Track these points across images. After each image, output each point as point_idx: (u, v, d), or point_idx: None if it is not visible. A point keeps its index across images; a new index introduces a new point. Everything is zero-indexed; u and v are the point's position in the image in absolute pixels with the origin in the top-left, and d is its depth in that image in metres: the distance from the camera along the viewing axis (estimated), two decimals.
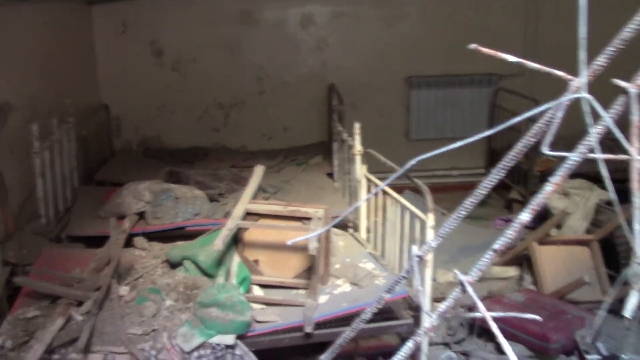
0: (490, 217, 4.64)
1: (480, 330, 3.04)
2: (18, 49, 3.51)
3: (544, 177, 4.16)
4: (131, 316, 2.50)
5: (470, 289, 0.91)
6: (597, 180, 3.83)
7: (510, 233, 0.97)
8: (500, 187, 4.74)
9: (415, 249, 1.16)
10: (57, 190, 3.60)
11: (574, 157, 0.81)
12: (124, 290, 2.67)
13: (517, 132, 2.79)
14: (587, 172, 3.42)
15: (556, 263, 3.64)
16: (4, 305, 2.61)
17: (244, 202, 3.05)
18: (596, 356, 2.85)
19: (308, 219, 2.78)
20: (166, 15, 5.14)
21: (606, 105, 0.89)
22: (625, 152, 0.86)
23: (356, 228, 3.47)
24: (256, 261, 2.84)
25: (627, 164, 0.86)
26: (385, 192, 3.10)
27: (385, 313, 2.63)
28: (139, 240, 3.19)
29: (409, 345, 1.02)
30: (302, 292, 2.77)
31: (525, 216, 0.94)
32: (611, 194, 0.96)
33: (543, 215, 3.89)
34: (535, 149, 1.17)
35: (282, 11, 5.34)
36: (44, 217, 3.40)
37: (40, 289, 2.58)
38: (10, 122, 3.24)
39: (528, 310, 3.10)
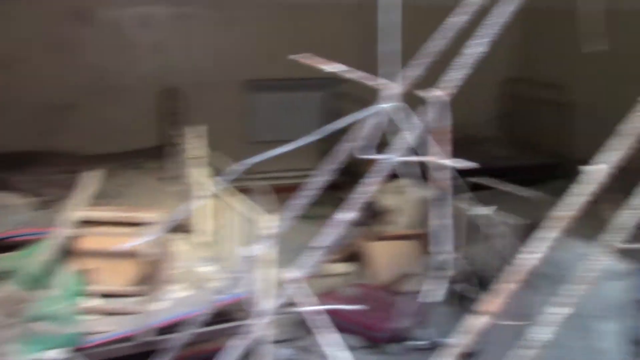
0: (328, 216, 4.82)
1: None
2: None
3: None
4: None
5: (295, 285, 0.96)
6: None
7: (333, 232, 1.03)
8: (336, 187, 4.93)
9: (245, 250, 1.20)
10: None
11: (385, 160, 0.89)
12: None
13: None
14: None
15: (388, 257, 3.88)
16: None
17: (76, 209, 2.91)
18: (422, 342, 3.09)
19: (145, 224, 2.72)
20: None
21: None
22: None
23: (196, 232, 3.44)
24: (93, 270, 2.72)
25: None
26: (220, 195, 3.11)
27: (224, 315, 2.65)
28: None
29: (239, 345, 1.04)
30: (142, 298, 2.70)
31: (346, 215, 1.00)
32: (427, 192, 1.06)
33: (377, 213, 4.13)
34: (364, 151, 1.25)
35: (119, 10, 5.14)
36: None
37: None
38: None
39: (360, 303, 3.28)
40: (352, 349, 3.04)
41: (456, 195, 3.15)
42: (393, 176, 1.10)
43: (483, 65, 1.06)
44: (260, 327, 1.14)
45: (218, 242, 3.20)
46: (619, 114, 0.89)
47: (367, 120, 1.02)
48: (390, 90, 0.95)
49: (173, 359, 1.29)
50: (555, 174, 5.26)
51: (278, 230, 1.15)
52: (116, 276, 2.73)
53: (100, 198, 3.62)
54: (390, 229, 4.14)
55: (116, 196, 3.80)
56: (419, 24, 3.73)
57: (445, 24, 1.03)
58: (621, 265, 2.56)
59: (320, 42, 4.46)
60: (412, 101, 1.05)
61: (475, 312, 0.88)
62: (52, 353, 2.24)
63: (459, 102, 1.14)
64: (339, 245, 3.93)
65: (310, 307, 0.98)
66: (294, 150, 1.13)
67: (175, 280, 2.87)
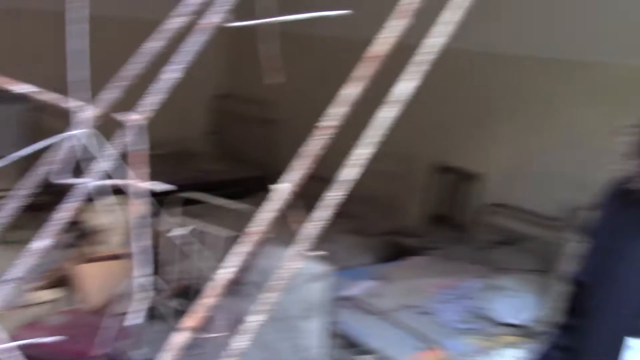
0: (29, 240, 4.43)
1: None
2: None
3: None
4: None
5: None
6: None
7: (32, 258, 0.97)
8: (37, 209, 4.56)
9: None
10: None
11: (81, 184, 0.87)
12: None
13: None
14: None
15: (99, 279, 3.71)
16: None
17: None
18: None
19: None
20: None
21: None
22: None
23: None
24: None
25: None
26: None
27: None
28: None
29: None
30: None
31: (45, 240, 0.95)
32: (144, 211, 1.05)
33: (86, 233, 3.92)
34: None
35: None
36: None
37: None
38: None
39: (70, 330, 3.09)
40: None
41: (167, 211, 3.16)
42: (96, 197, 1.07)
43: (193, 83, 1.10)
44: None
45: None
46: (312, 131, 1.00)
47: (61, 143, 0.98)
48: (85, 113, 0.93)
49: None
50: (263, 186, 5.57)
51: None
52: None
53: None
54: (101, 249, 3.97)
55: None
56: (114, 40, 3.69)
57: (144, 46, 1.04)
58: (319, 267, 2.84)
59: (22, 52, 4.10)
60: (109, 124, 1.03)
61: (179, 328, 0.90)
62: None
63: (171, 118, 1.17)
64: (45, 270, 3.65)
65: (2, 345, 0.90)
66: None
67: None
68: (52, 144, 1.09)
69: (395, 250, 4.92)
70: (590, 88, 4.30)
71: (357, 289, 3.67)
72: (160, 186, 0.96)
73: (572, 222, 4.02)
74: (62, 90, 1.08)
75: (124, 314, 3.49)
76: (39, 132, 5.00)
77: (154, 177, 0.95)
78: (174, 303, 3.25)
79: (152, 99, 0.98)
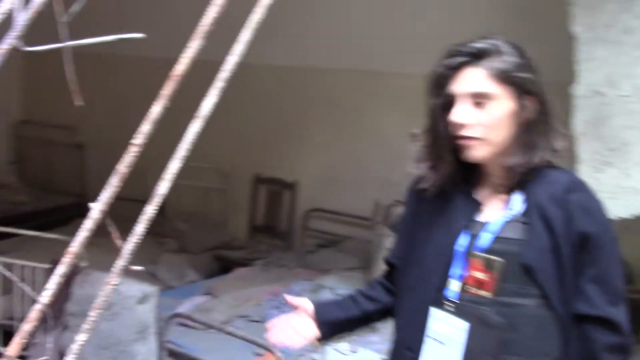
0: None
1: None
2: None
3: None
4: None
5: None
6: None
7: None
8: None
9: None
10: None
11: None
12: None
13: None
14: None
15: None
16: None
17: None
18: None
19: None
20: None
21: None
22: None
23: None
24: None
25: None
26: None
27: None
28: None
29: None
30: None
31: None
32: None
33: None
34: None
35: None
36: None
37: None
38: None
39: None
40: None
41: None
42: None
43: None
44: None
45: None
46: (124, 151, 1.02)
47: None
48: None
49: None
50: (77, 213, 5.35)
51: None
52: None
53: None
54: None
55: None
56: None
57: None
58: (145, 288, 2.80)
59: None
60: None
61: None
62: None
63: None
64: None
65: None
66: None
67: None
68: None
69: (221, 264, 4.96)
70: (392, 96, 4.70)
71: (187, 306, 3.66)
72: None
73: (383, 219, 4.36)
74: None
75: None
76: None
77: None
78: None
79: None
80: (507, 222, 1.41)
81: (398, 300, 1.59)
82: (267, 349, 2.68)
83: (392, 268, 1.67)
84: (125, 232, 1.02)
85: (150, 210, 1.05)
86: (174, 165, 1.03)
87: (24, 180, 6.15)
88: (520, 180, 1.41)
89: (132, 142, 0.99)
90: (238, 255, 4.98)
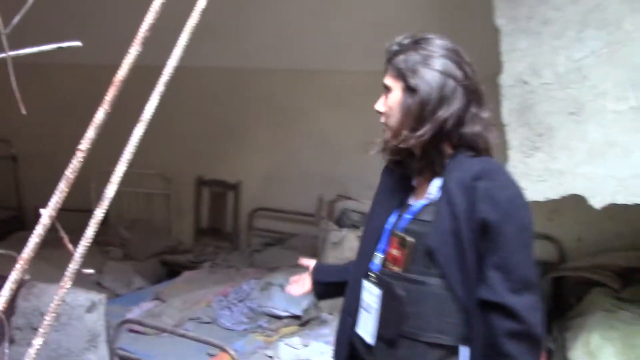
0: None
1: None
2: None
3: None
4: None
5: None
6: None
7: None
8: None
9: None
10: None
11: None
12: None
13: None
14: None
15: None
16: None
17: None
18: None
19: None
20: None
21: None
22: None
23: None
24: None
25: None
26: None
27: None
28: None
29: None
30: None
31: None
32: None
33: None
34: None
35: None
36: None
37: None
38: None
39: None
40: None
41: None
42: None
43: None
44: None
45: None
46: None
47: None
48: None
49: None
50: (15, 226, 5.24)
51: None
52: None
53: None
54: None
55: None
56: None
57: None
58: (93, 297, 2.78)
59: None
60: None
61: None
62: None
63: None
64: None
65: None
66: None
67: None
68: None
69: (168, 269, 4.95)
70: (329, 94, 4.78)
71: (136, 312, 3.64)
72: None
73: (327, 215, 4.44)
74: None
75: None
76: None
77: None
78: None
79: None
80: (425, 206, 1.53)
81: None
82: (221, 348, 2.71)
83: None
84: (71, 242, 1.04)
85: (99, 213, 1.08)
86: (121, 168, 1.06)
87: None
88: (445, 166, 1.52)
89: (78, 148, 1.02)
90: (185, 259, 4.97)
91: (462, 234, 1.42)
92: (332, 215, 4.43)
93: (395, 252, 1.53)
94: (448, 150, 1.52)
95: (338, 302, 4.11)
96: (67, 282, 1.06)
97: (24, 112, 0.95)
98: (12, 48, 1.11)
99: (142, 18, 1.06)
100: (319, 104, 4.84)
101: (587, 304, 3.40)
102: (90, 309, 2.69)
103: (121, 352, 2.93)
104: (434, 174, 1.54)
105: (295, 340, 3.33)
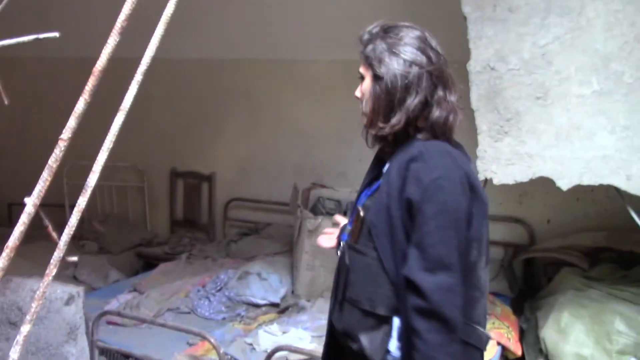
0: None
1: None
2: None
3: None
4: None
5: None
6: None
7: None
8: None
9: None
10: None
11: None
12: None
13: None
14: None
15: None
16: None
17: None
18: None
19: None
20: None
21: None
22: None
23: None
24: None
25: None
26: None
27: None
28: None
29: None
30: None
31: None
32: None
33: None
34: None
35: None
36: None
37: None
38: None
39: None
40: None
41: None
42: None
43: None
44: None
45: None
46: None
47: None
48: None
49: None
50: None
51: None
52: None
53: None
54: None
55: None
56: None
57: None
58: (69, 289, 2.78)
59: None
60: None
61: None
62: None
63: None
64: None
65: None
66: None
67: None
68: None
69: (144, 262, 4.95)
70: (302, 83, 4.81)
71: (114, 304, 3.64)
72: None
73: (302, 203, 4.47)
74: None
75: None
76: None
77: None
78: None
79: None
80: (379, 185, 1.62)
81: None
82: (202, 336, 2.74)
83: None
84: (45, 237, 1.06)
85: (82, 202, 1.10)
86: (102, 157, 1.09)
87: None
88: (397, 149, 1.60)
89: (60, 138, 1.04)
90: (160, 251, 4.97)
91: (392, 211, 1.50)
92: (307, 203, 4.47)
93: (353, 225, 1.64)
94: (412, 133, 1.58)
95: (315, 289, 4.15)
96: (52, 269, 1.08)
97: (7, 102, 0.97)
98: None
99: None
100: (292, 93, 4.87)
101: (557, 283, 3.50)
102: (69, 301, 2.69)
103: (101, 344, 2.94)
104: (391, 156, 1.63)
105: (274, 328, 3.38)
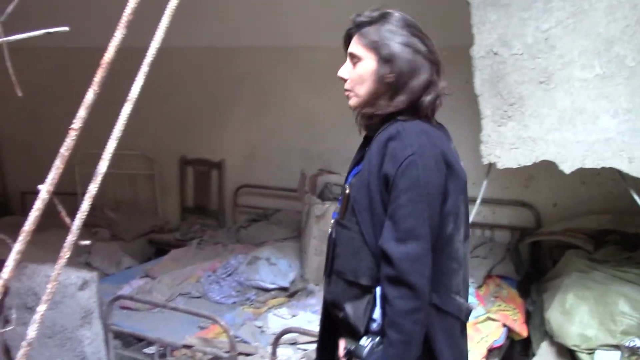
0: None
1: None
2: None
3: None
4: None
5: None
6: None
7: None
8: None
9: None
10: None
11: None
12: None
13: None
14: None
15: None
16: None
17: None
18: None
19: None
20: None
21: None
22: None
23: None
24: None
25: None
26: None
27: None
28: None
29: None
30: None
31: None
32: None
33: None
34: None
35: None
36: None
37: None
38: None
39: None
40: None
41: None
42: None
43: None
44: None
45: None
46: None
47: None
48: None
49: None
50: (4, 211, 5.29)
51: None
52: None
53: None
54: None
55: None
56: None
57: None
58: (83, 275, 2.85)
59: None
60: None
61: None
62: None
63: None
64: None
65: None
66: None
67: None
68: None
69: (155, 248, 5.03)
70: (308, 70, 4.83)
71: (127, 289, 3.72)
72: None
73: (309, 189, 4.52)
74: None
75: None
76: None
77: None
78: None
79: None
80: (363, 163, 1.69)
81: None
82: (213, 320, 2.80)
83: None
84: (57, 225, 1.11)
85: (92, 188, 1.15)
86: (111, 145, 1.14)
87: None
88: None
89: (71, 127, 1.09)
90: (172, 238, 5.05)
91: (372, 186, 1.58)
92: (315, 189, 4.52)
93: (342, 203, 1.72)
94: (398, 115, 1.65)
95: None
96: (66, 252, 1.14)
97: (20, 94, 1.02)
98: None
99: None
100: (299, 80, 4.90)
101: (563, 266, 3.53)
102: (83, 286, 2.77)
103: (115, 328, 3.02)
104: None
105: (284, 311, 3.44)
